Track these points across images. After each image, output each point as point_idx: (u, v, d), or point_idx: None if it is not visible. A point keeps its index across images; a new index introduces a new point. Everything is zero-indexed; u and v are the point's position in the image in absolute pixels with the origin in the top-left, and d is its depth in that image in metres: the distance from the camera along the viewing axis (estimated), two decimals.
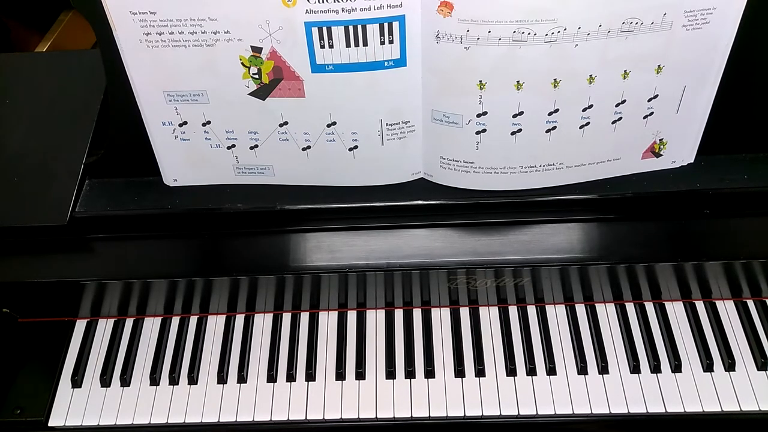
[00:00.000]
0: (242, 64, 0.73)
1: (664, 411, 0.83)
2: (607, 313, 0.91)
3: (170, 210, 0.84)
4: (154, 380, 0.88)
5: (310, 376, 0.87)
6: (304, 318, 0.93)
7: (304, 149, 0.80)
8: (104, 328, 0.94)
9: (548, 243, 0.83)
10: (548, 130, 0.77)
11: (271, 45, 0.71)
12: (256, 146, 0.81)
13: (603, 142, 0.79)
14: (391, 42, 0.70)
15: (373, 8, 0.67)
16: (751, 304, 0.91)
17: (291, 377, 0.87)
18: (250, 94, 0.76)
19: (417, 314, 0.92)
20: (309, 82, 0.74)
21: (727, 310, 0.91)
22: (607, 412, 0.83)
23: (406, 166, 0.83)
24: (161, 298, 0.91)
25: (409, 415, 0.84)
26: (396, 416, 0.84)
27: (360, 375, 0.87)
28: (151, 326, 0.93)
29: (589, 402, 0.84)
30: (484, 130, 0.77)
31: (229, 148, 0.81)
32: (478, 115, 0.75)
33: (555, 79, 0.72)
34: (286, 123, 0.78)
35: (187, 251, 0.87)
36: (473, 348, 0.89)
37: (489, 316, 0.92)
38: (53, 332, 0.93)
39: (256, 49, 0.72)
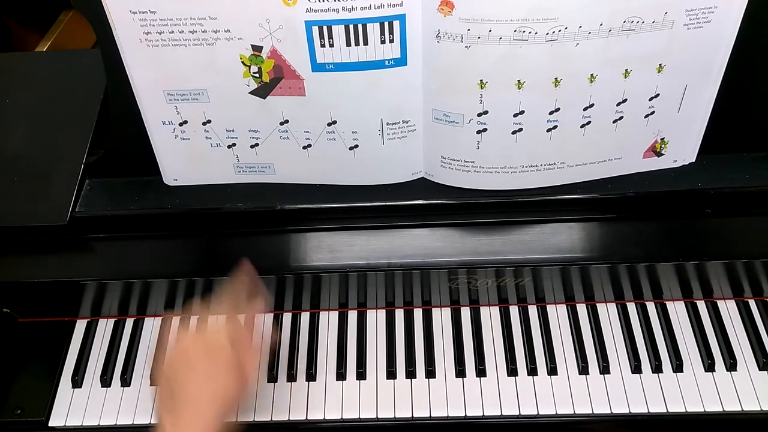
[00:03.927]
0: (242, 62, 0.73)
1: (665, 411, 0.83)
2: (608, 312, 0.91)
3: (170, 210, 0.84)
4: (155, 380, 0.88)
5: (311, 376, 0.87)
6: (305, 318, 0.93)
7: (304, 148, 0.80)
8: (104, 328, 0.94)
9: (549, 242, 0.83)
10: (549, 129, 0.77)
11: (271, 44, 0.71)
12: (257, 145, 0.81)
13: (604, 141, 0.79)
14: (391, 41, 0.70)
15: (374, 7, 0.67)
16: (752, 303, 0.91)
17: (291, 377, 0.87)
18: (250, 92, 0.76)
19: (418, 314, 0.92)
20: (309, 81, 0.74)
21: (728, 309, 0.91)
22: (609, 412, 0.83)
23: (407, 166, 0.83)
24: (161, 298, 0.90)
25: (410, 416, 0.84)
26: (397, 416, 0.84)
27: (361, 375, 0.87)
28: (152, 326, 0.93)
29: (591, 402, 0.84)
30: (485, 130, 0.76)
31: (229, 147, 0.81)
32: (479, 115, 0.75)
33: (556, 78, 0.72)
34: (286, 121, 0.78)
35: (187, 251, 0.87)
36: (474, 348, 0.89)
37: (490, 315, 0.91)
38: (53, 332, 0.93)
39: (257, 48, 0.72)
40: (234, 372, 0.70)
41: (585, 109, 0.76)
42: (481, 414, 0.84)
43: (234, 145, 0.81)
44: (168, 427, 0.67)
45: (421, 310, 0.92)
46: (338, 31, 0.69)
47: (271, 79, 0.74)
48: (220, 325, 0.72)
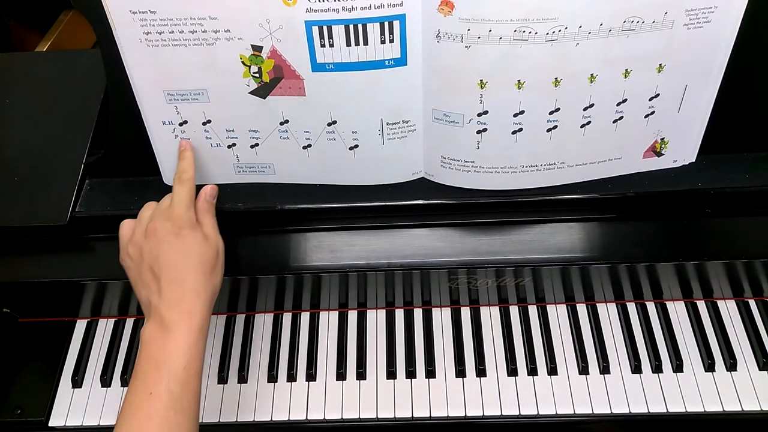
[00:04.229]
0: (242, 62, 0.73)
1: (665, 411, 0.83)
2: (608, 312, 0.91)
3: None
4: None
5: (311, 376, 0.87)
6: (305, 318, 0.93)
7: (304, 148, 0.80)
8: (104, 328, 0.94)
9: (549, 242, 0.83)
10: (549, 129, 0.77)
11: (271, 44, 0.71)
12: (257, 145, 0.81)
13: (604, 141, 0.79)
14: (391, 41, 0.70)
15: (374, 7, 0.67)
16: (752, 303, 0.91)
17: (291, 377, 0.87)
18: (250, 92, 0.76)
19: (418, 314, 0.92)
20: (309, 81, 0.73)
21: (728, 309, 0.91)
22: (609, 412, 0.83)
23: (407, 166, 0.83)
24: None
25: (410, 416, 0.84)
26: (397, 416, 0.84)
27: (361, 375, 0.87)
28: None
29: (591, 402, 0.84)
30: (485, 130, 0.76)
31: (229, 147, 0.81)
32: (479, 115, 0.75)
33: (556, 78, 0.72)
34: (286, 121, 0.78)
35: None
36: (474, 348, 0.89)
37: (490, 315, 0.92)
38: (53, 332, 0.93)
39: (257, 48, 0.72)
40: (201, 236, 0.72)
41: (585, 109, 0.76)
42: (481, 414, 0.84)
43: (234, 145, 0.81)
44: (162, 308, 0.68)
45: (421, 310, 0.92)
46: (338, 31, 0.69)
47: (271, 79, 0.74)
48: (174, 196, 0.74)
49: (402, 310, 0.93)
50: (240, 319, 0.93)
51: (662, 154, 0.82)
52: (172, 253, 0.70)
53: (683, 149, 0.82)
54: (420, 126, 0.78)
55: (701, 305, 0.91)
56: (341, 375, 0.87)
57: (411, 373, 0.87)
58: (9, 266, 0.85)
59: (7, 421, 0.86)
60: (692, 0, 0.69)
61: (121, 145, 0.83)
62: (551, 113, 0.75)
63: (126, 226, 0.76)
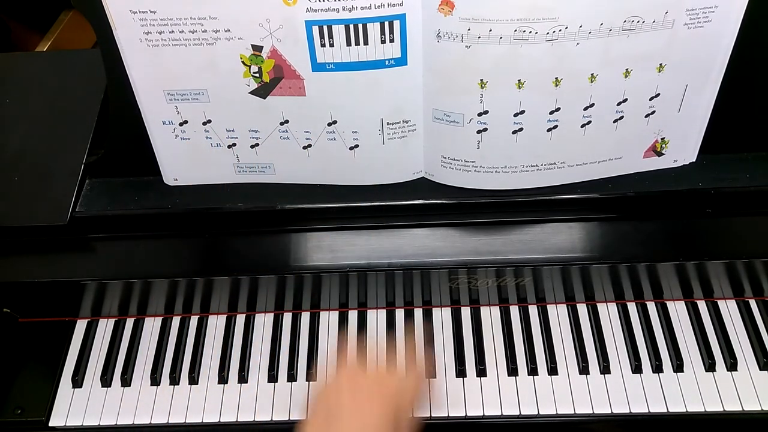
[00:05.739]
0: (243, 62, 0.73)
1: (665, 411, 0.83)
2: (608, 312, 0.91)
3: (171, 210, 0.84)
4: (155, 380, 0.88)
5: (311, 376, 0.87)
6: (305, 318, 0.93)
7: (304, 148, 0.80)
8: (105, 328, 0.94)
9: (550, 242, 0.83)
10: (549, 129, 0.77)
11: (271, 44, 0.71)
12: (257, 145, 0.81)
13: (604, 140, 0.79)
14: (391, 41, 0.70)
15: (374, 7, 0.67)
16: (753, 303, 0.91)
17: (292, 377, 0.87)
18: (250, 92, 0.76)
19: (418, 314, 0.92)
20: (309, 81, 0.73)
21: (729, 309, 0.91)
22: (609, 412, 0.83)
23: (407, 166, 0.83)
24: (162, 298, 0.90)
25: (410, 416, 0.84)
26: None
27: None
28: (152, 326, 0.93)
29: (591, 402, 0.84)
30: (485, 129, 0.76)
31: (229, 146, 0.81)
32: (479, 114, 0.75)
33: (556, 78, 0.72)
34: (286, 121, 0.78)
35: (187, 251, 0.87)
36: (474, 347, 0.89)
37: (490, 315, 0.91)
38: (54, 332, 0.93)
39: (257, 48, 0.72)
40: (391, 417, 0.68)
41: (585, 108, 0.76)
42: (482, 414, 0.84)
43: (234, 145, 0.81)
44: None
45: (421, 310, 0.92)
46: (338, 31, 0.69)
47: (272, 79, 0.74)
48: (399, 376, 0.74)
49: (402, 310, 0.92)
50: (240, 319, 0.93)
51: (663, 154, 0.82)
52: (350, 419, 0.66)
53: (684, 149, 0.82)
54: (420, 126, 0.78)
55: (702, 305, 0.91)
56: None
57: None
58: (9, 266, 0.85)
59: (7, 421, 0.86)
60: (692, 0, 0.69)
61: (121, 145, 0.83)
62: (551, 113, 0.75)
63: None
